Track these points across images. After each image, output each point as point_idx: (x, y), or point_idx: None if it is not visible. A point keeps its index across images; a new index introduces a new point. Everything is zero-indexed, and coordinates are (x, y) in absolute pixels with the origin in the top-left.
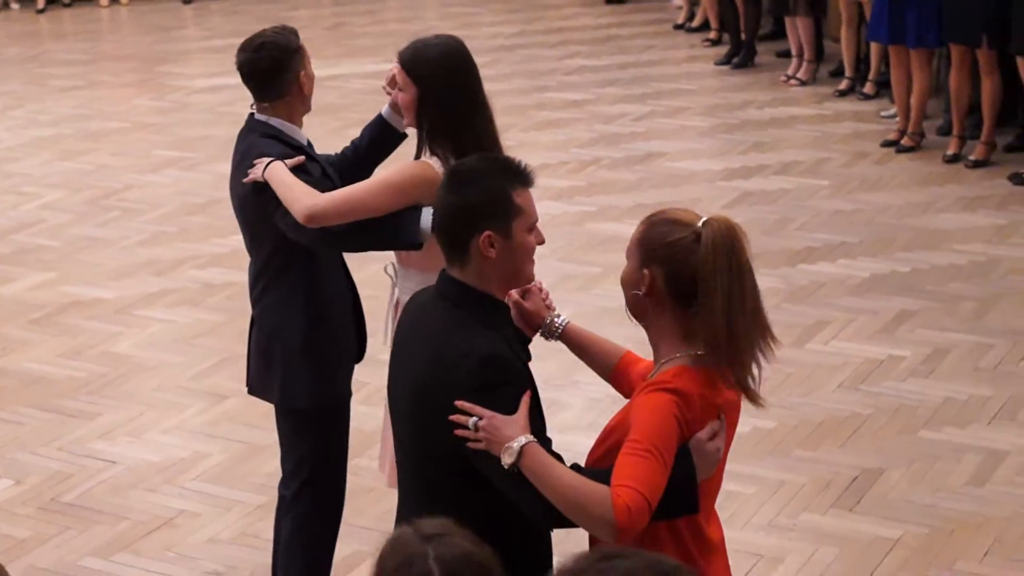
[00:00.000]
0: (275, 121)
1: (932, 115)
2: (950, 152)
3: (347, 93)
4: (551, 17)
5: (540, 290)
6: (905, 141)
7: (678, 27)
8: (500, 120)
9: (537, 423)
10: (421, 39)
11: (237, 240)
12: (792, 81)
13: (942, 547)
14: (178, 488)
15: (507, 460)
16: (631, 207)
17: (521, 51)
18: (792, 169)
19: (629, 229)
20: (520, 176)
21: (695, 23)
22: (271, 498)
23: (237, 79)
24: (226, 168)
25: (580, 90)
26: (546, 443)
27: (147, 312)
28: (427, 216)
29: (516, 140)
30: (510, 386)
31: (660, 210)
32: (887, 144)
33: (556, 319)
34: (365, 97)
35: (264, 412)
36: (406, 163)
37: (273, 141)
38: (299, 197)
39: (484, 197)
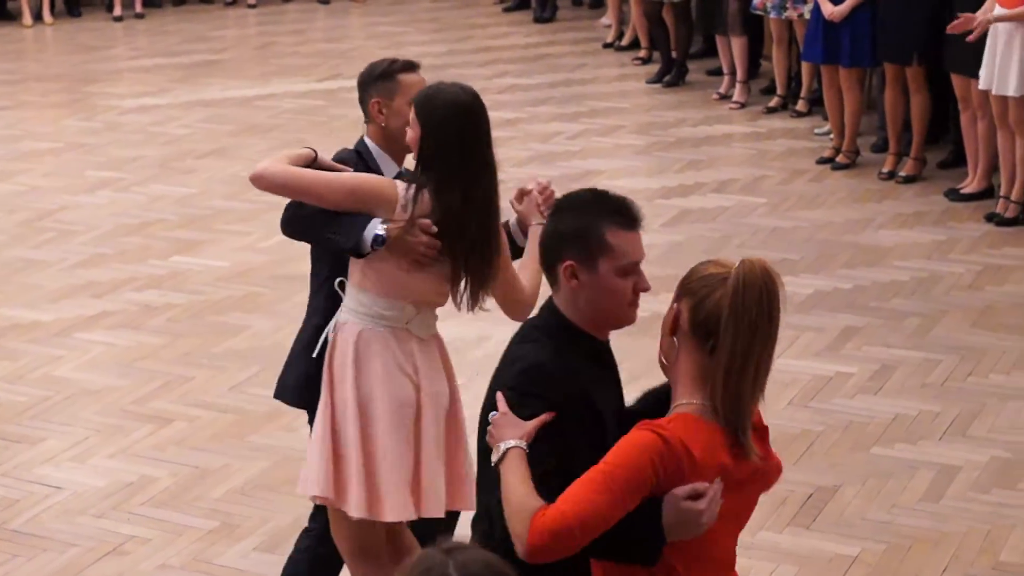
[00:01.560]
0: (368, 140)
1: (866, 132)
2: (886, 169)
3: (277, 113)
4: (479, 36)
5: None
6: (840, 158)
7: (607, 45)
8: None
9: (581, 454)
10: (436, 84)
11: (175, 262)
12: (732, 105)
13: (900, 563)
14: (126, 514)
15: (494, 458)
16: None
17: (451, 70)
18: (729, 187)
19: None
20: (620, 215)
21: (624, 41)
22: (221, 522)
23: (167, 99)
24: (159, 188)
25: (513, 109)
26: (562, 475)
27: (87, 335)
28: (373, 228)
29: None
30: (542, 401)
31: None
32: (822, 161)
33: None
34: (295, 117)
35: (212, 435)
36: (374, 175)
37: (356, 155)
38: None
39: (574, 226)
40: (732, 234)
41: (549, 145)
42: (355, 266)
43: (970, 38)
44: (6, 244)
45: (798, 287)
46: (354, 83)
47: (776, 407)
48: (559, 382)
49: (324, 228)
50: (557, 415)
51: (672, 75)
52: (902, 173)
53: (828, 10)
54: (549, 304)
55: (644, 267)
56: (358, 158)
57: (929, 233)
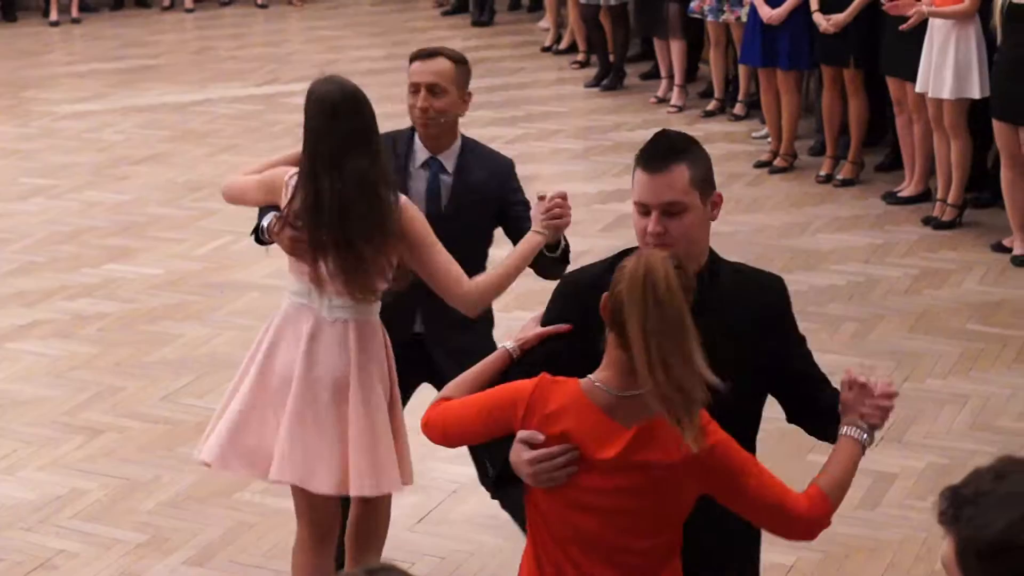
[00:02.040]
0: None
1: (804, 136)
2: (823, 172)
3: (213, 119)
4: (418, 40)
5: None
6: (778, 162)
7: (546, 49)
8: None
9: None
10: (324, 77)
11: (108, 270)
12: (670, 109)
13: (837, 572)
14: (55, 527)
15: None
16: None
17: (389, 75)
18: None
19: (504, 253)
20: (643, 156)
21: (563, 45)
22: (152, 535)
23: (102, 105)
24: (93, 195)
25: None
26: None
27: (18, 345)
28: (267, 219)
29: None
30: (558, 309)
31: None
32: (760, 165)
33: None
34: (232, 122)
35: (143, 446)
36: (280, 167)
37: (391, 139)
38: None
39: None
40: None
41: None
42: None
43: (903, 26)
44: None
45: None
46: (291, 88)
47: None
48: (581, 296)
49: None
50: (572, 327)
51: (610, 79)
52: (840, 176)
53: (765, 13)
54: None
55: None
56: (392, 142)
57: (866, 237)
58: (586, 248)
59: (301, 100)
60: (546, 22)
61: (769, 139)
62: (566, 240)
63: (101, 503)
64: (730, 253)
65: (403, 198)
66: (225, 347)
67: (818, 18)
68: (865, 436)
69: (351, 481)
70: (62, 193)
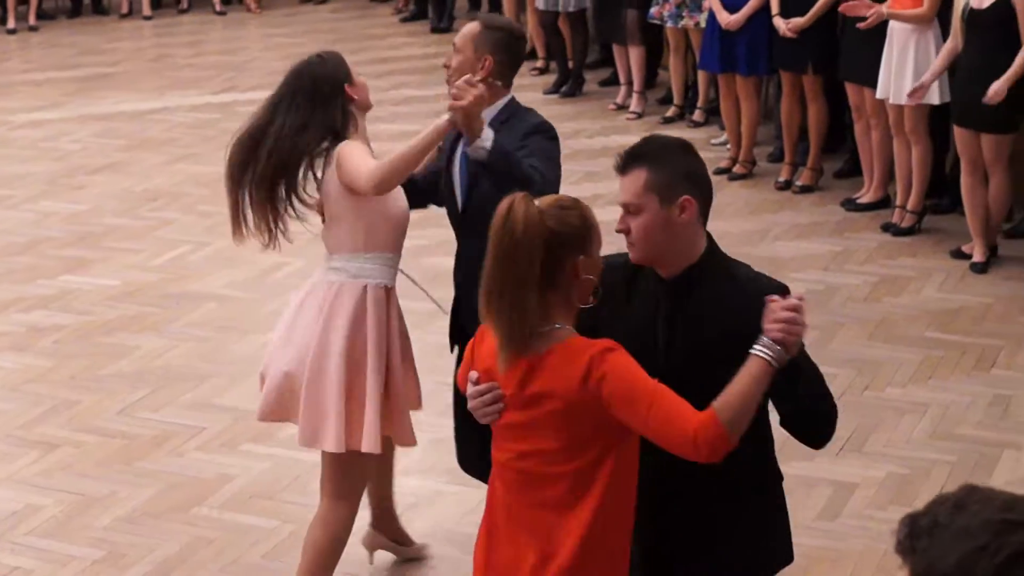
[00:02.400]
0: None
1: (763, 142)
2: (782, 179)
3: (171, 127)
4: (377, 47)
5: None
6: (737, 168)
7: None
8: None
9: None
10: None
11: (64, 281)
12: (629, 115)
13: None
14: (10, 543)
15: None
16: None
17: None
18: None
19: None
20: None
21: None
22: (108, 552)
23: (59, 113)
24: (49, 205)
25: (411, 121)
26: None
27: None
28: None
29: None
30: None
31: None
32: (719, 172)
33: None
34: (190, 130)
35: (99, 461)
36: None
37: None
38: None
39: None
40: None
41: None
42: None
43: (861, 25)
44: None
45: None
46: (248, 96)
47: None
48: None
49: None
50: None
51: (569, 85)
52: (799, 183)
53: (724, 19)
54: None
55: None
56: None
57: (826, 244)
58: None
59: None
60: None
61: (728, 145)
62: None
63: (57, 519)
64: None
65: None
66: (181, 359)
67: (778, 22)
68: (768, 353)
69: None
70: (17, 203)
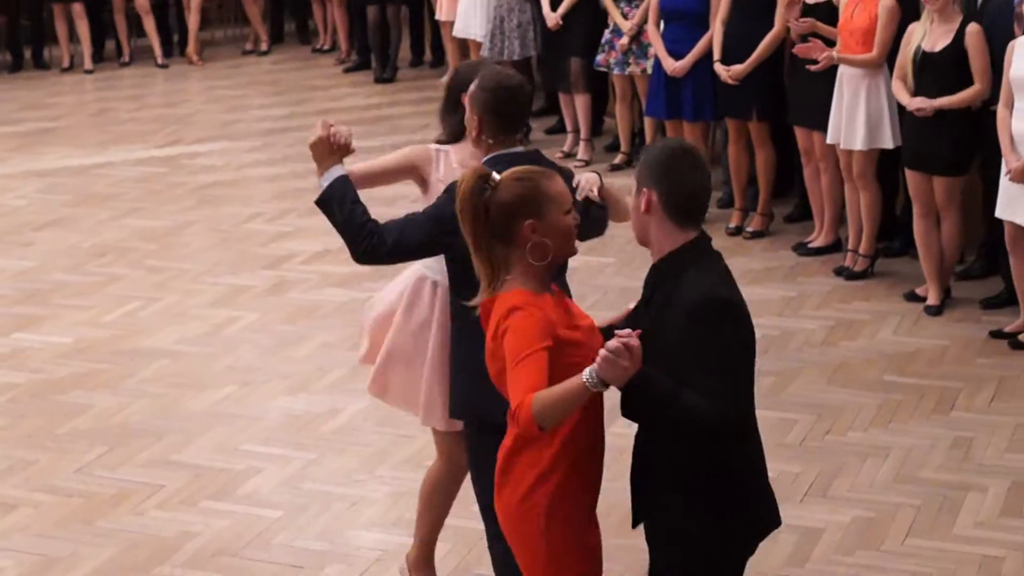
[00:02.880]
0: None
1: (712, 187)
2: (732, 224)
3: (116, 182)
4: (320, 98)
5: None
6: None
7: None
8: (277, 206)
9: None
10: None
11: (14, 339)
12: (577, 163)
13: None
14: None
15: None
16: None
17: (292, 134)
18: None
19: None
20: None
21: None
22: None
23: (2, 169)
24: (4, 263)
25: None
26: None
27: None
28: None
29: (294, 226)
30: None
31: None
32: None
33: None
34: (136, 185)
35: (59, 520)
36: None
37: None
38: None
39: None
40: (582, 294)
41: (394, 208)
42: None
43: (812, 67)
44: None
45: None
46: (193, 149)
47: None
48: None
49: None
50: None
51: None
52: (749, 229)
53: (670, 65)
54: None
55: None
56: None
57: (779, 289)
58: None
59: (204, 161)
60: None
61: None
62: None
63: None
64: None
65: None
66: (137, 416)
67: (719, 69)
68: (589, 375)
69: None
70: None
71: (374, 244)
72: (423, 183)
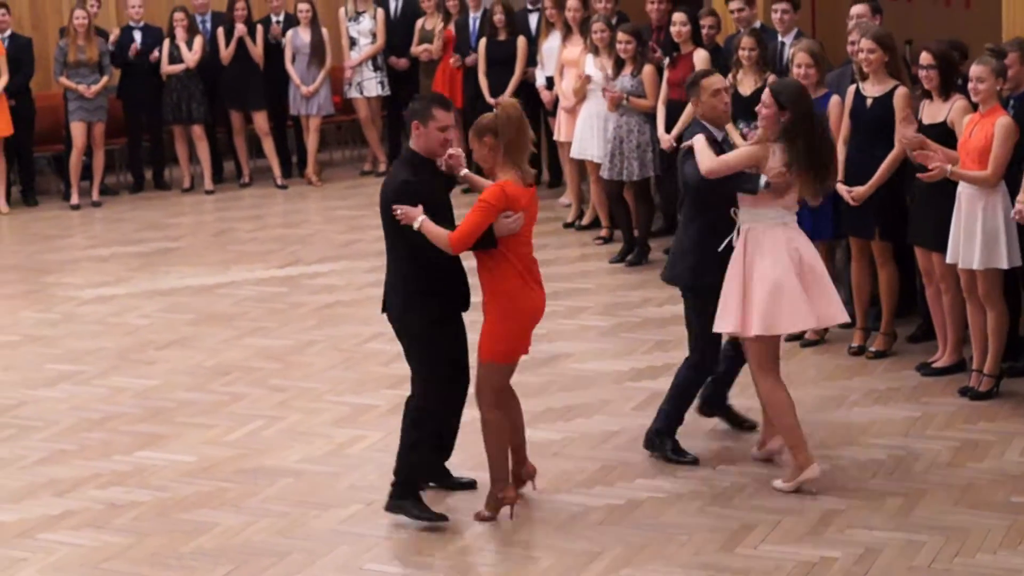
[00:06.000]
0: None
1: None
2: (855, 344)
3: (238, 301)
4: None
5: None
6: (809, 335)
7: (568, 225)
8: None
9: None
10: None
11: (139, 457)
12: None
13: None
14: None
15: (415, 227)
16: (541, 411)
17: None
18: None
19: (540, 435)
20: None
21: (585, 221)
22: None
23: (125, 288)
24: (120, 381)
25: (477, 292)
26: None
27: (51, 535)
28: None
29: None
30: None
31: None
32: (791, 339)
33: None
34: (258, 304)
35: None
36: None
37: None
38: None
39: None
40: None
41: None
42: (747, 199)
43: (923, 175)
44: None
45: (776, 469)
46: (313, 269)
47: None
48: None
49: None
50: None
51: (635, 254)
52: (872, 348)
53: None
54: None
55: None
56: (701, 128)
57: (903, 409)
58: (618, 428)
59: (325, 281)
60: (567, 198)
61: None
62: None
63: None
64: None
65: None
66: (261, 535)
67: (841, 189)
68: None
69: None
70: (89, 379)
71: None
72: None
